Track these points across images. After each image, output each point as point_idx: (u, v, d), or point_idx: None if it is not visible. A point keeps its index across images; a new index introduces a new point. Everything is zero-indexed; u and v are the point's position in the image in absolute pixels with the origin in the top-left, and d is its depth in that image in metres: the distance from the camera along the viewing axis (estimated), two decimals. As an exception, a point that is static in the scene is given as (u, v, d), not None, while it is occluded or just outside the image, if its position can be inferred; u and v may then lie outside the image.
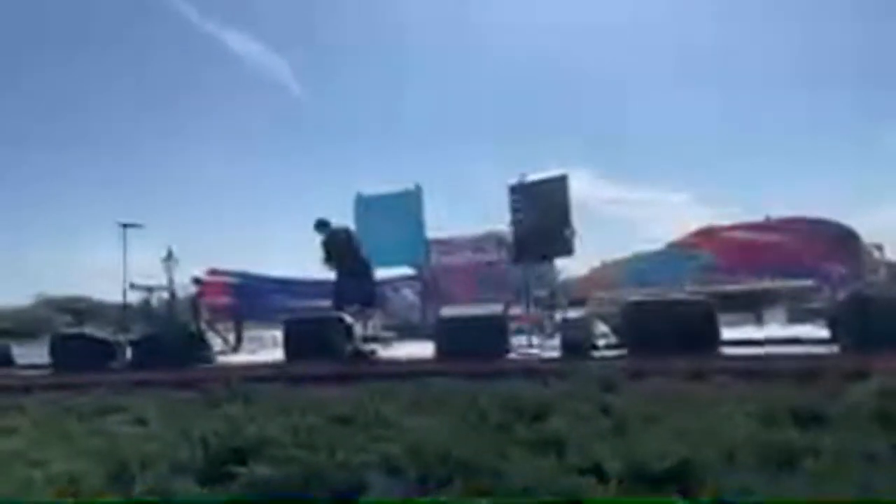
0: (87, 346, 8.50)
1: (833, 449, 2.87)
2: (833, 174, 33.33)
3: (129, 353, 8.48)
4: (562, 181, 8.31)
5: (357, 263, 8.72)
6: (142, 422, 4.56)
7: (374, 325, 9.35)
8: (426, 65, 44.94)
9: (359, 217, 11.50)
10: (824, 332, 6.57)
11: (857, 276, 8.57)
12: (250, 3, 43.20)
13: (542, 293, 10.22)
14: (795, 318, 10.10)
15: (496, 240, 12.71)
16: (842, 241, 8.77)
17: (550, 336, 7.98)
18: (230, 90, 46.69)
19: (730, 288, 10.06)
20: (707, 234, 9.47)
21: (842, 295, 7.21)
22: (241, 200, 47.28)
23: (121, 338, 9.00)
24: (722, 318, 6.64)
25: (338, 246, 8.71)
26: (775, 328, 9.24)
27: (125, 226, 11.20)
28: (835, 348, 6.07)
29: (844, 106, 35.61)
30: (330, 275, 8.93)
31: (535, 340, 7.80)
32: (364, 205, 11.93)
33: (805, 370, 4.84)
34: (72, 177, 47.19)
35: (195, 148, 49.18)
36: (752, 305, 11.08)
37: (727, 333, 6.64)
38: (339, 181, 39.48)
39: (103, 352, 8.41)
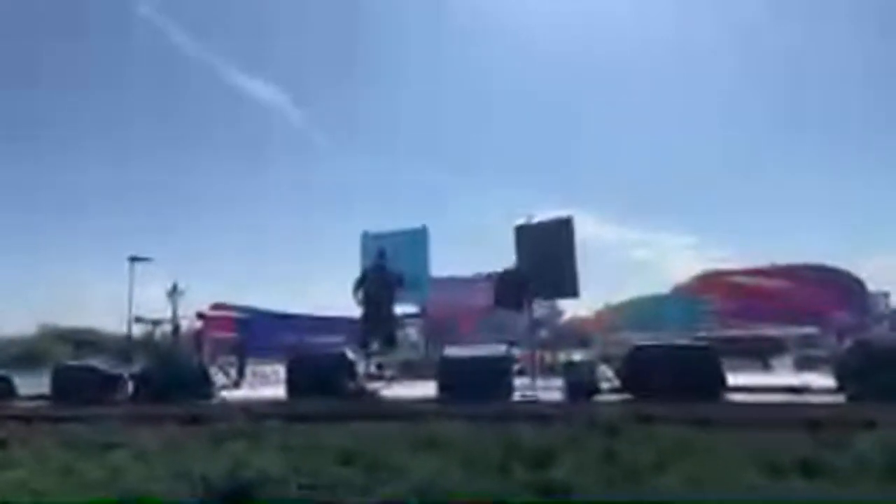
0: (90, 379, 8.48)
1: (840, 501, 2.83)
2: (838, 218, 33.30)
3: (130, 386, 8.45)
4: (567, 223, 8.38)
5: (388, 307, 8.99)
6: (143, 456, 4.52)
7: (389, 363, 9.44)
8: (430, 104, 45.46)
9: (365, 254, 11.56)
10: (830, 381, 6.52)
11: (863, 325, 8.52)
12: (263, 47, 44.06)
13: (545, 334, 10.19)
14: (801, 365, 10.03)
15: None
16: (847, 288, 8.77)
17: (553, 378, 7.93)
18: (240, 127, 47.23)
19: (735, 334, 10.01)
20: (712, 279, 9.48)
21: (847, 343, 7.18)
22: (249, 236, 47.40)
23: (123, 371, 8.98)
24: (728, 363, 6.62)
25: (376, 285, 8.96)
26: (781, 375, 9.16)
27: (133, 259, 11.31)
28: (840, 397, 6.02)
29: (851, 149, 35.84)
30: (336, 311, 9.16)
31: (539, 382, 7.75)
32: (371, 242, 11.98)
33: (811, 419, 4.80)
34: (83, 208, 47.54)
35: (205, 187, 49.62)
36: (758, 352, 11.01)
37: (733, 380, 6.60)
38: (347, 220, 39.69)
39: (105, 384, 8.39)
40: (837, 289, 8.74)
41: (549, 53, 41.04)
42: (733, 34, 35.70)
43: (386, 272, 9.22)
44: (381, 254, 9.50)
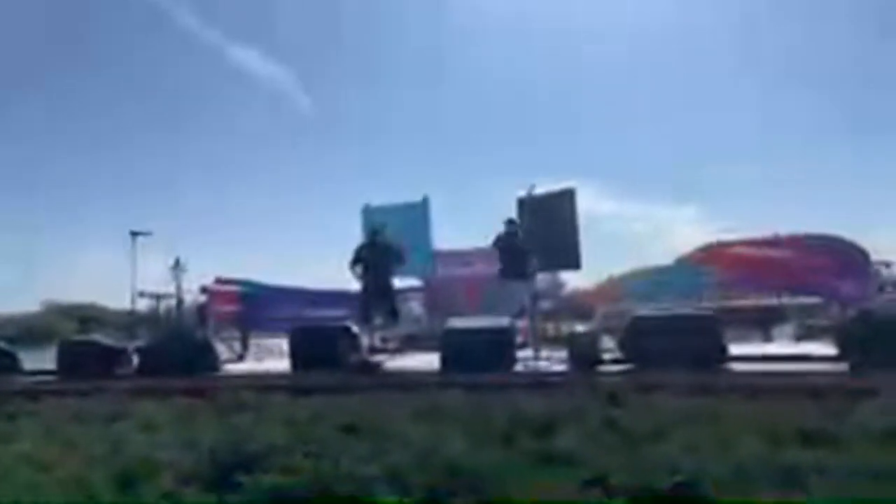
0: (95, 353, 8.53)
1: (840, 468, 2.85)
2: (841, 189, 33.06)
3: (135, 360, 8.51)
4: (569, 195, 8.35)
5: (385, 280, 8.91)
6: (148, 429, 4.57)
7: (392, 336, 9.43)
8: (429, 77, 44.95)
9: (367, 227, 11.53)
10: (832, 350, 6.54)
11: (866, 295, 8.50)
12: (256, 16, 43.45)
13: (548, 306, 10.20)
14: (803, 335, 10.05)
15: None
16: (850, 258, 8.69)
17: (556, 349, 7.97)
18: (235, 100, 46.73)
19: (737, 304, 10.02)
20: (714, 250, 9.41)
21: (850, 313, 7.19)
22: (249, 212, 47.21)
23: (128, 345, 9.04)
24: (729, 333, 6.64)
25: (374, 258, 8.88)
26: (783, 345, 9.19)
27: (134, 234, 11.30)
28: (842, 366, 6.05)
29: (853, 121, 35.55)
30: (339, 285, 9.10)
31: (542, 353, 7.79)
32: (372, 216, 11.94)
33: (812, 387, 4.83)
34: (83, 185, 47.39)
35: (203, 160, 49.33)
36: (760, 322, 11.03)
37: (734, 349, 6.62)
38: (347, 192, 39.47)
39: (110, 359, 8.44)
40: (841, 258, 8.67)
41: (549, 46, 40.44)
42: (732, 31, 35.29)
43: (383, 246, 9.14)
44: (377, 228, 9.38)
